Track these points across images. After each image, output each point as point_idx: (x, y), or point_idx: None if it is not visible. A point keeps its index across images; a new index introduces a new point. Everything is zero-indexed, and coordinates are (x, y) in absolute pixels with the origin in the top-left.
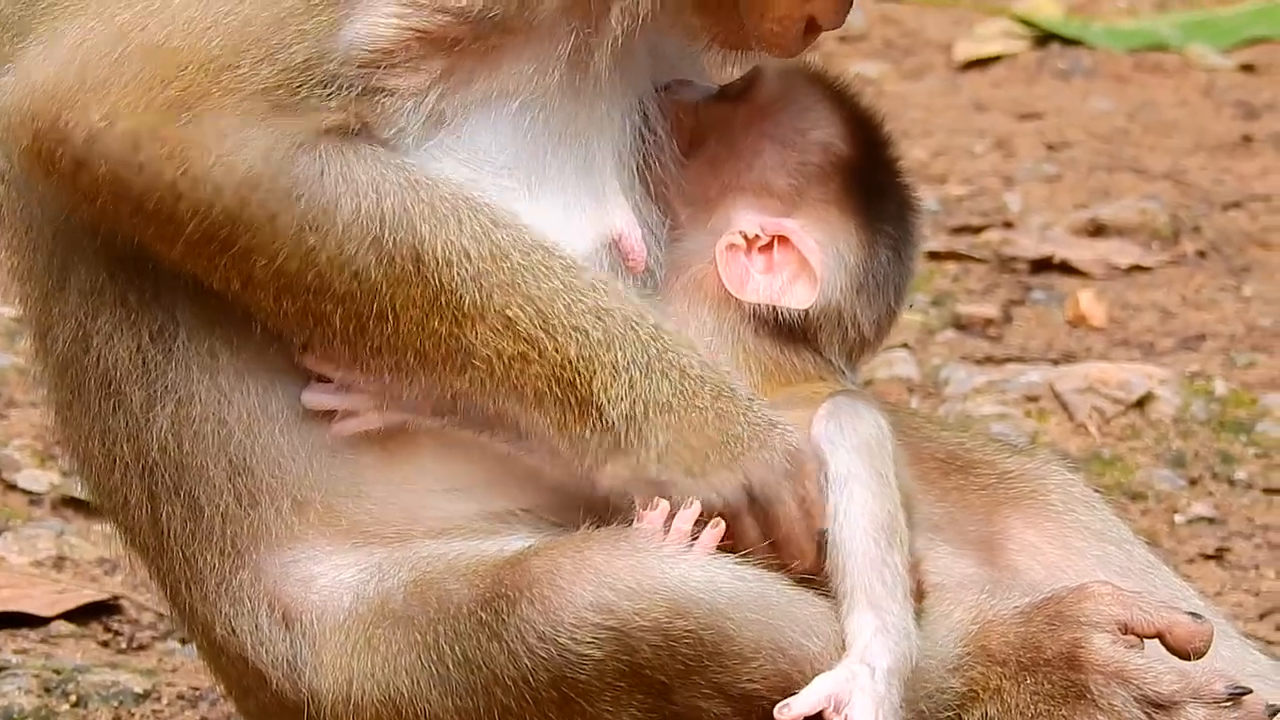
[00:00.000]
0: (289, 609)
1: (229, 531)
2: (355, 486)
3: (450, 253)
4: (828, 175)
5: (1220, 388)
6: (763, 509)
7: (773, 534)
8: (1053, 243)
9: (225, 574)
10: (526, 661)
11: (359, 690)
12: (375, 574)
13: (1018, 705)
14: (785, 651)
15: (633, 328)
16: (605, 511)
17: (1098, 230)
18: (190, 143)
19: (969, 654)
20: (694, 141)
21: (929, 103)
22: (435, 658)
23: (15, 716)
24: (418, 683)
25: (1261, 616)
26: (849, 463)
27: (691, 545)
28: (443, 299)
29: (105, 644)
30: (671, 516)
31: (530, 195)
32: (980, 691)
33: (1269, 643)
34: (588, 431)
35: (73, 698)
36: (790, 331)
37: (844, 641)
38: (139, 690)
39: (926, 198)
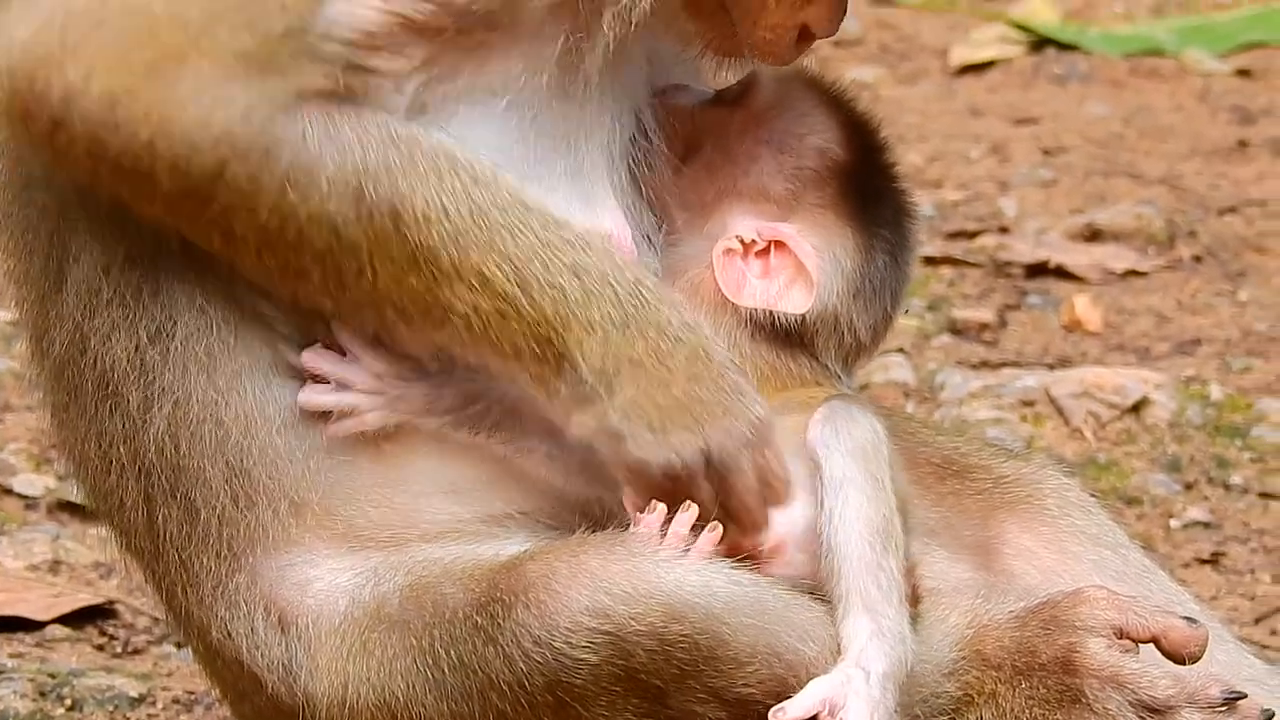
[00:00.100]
0: (285, 612)
1: (225, 534)
2: (352, 488)
3: (429, 210)
4: (824, 180)
5: (1216, 392)
6: (720, 475)
7: (727, 502)
8: (1048, 247)
9: (221, 577)
10: (522, 666)
11: (354, 694)
12: (371, 578)
13: (1013, 710)
14: (781, 656)
15: (610, 284)
16: (601, 516)
17: (1093, 235)
18: (168, 101)
19: (964, 658)
20: (690, 147)
21: (924, 108)
22: (431, 662)
23: None
24: (413, 687)
25: (1257, 621)
26: (844, 467)
27: (687, 549)
28: (421, 256)
29: (100, 648)
30: (668, 521)
31: None
32: (975, 696)
33: (1264, 647)
34: (561, 384)
35: (68, 702)
36: (787, 336)
37: (839, 646)
38: (134, 694)
39: (922, 203)
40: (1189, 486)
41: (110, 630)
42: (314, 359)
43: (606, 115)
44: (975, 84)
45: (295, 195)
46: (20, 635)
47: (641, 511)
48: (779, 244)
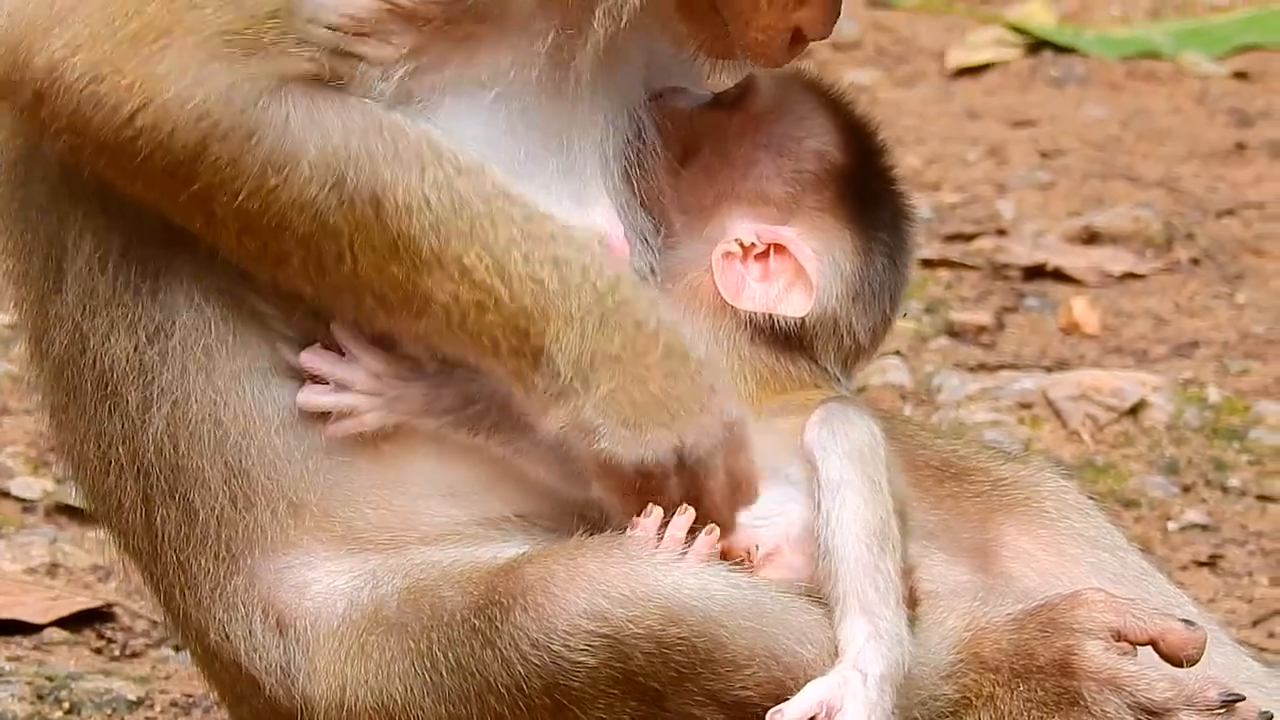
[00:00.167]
0: (283, 615)
1: (224, 535)
2: (350, 489)
3: (411, 199)
4: (823, 183)
5: (1214, 395)
6: (691, 474)
7: (696, 501)
8: (1046, 250)
9: (219, 579)
10: (520, 668)
11: (352, 697)
12: (369, 580)
13: (1011, 712)
14: (779, 659)
15: (590, 279)
16: (599, 519)
17: (1091, 237)
18: (150, 76)
19: (962, 661)
20: (689, 150)
21: (922, 110)
22: (429, 665)
23: None
24: (411, 690)
25: (1255, 623)
26: (841, 469)
27: (685, 553)
28: (401, 245)
29: (98, 651)
30: (665, 524)
31: None
32: (973, 698)
33: (1262, 649)
34: (538, 378)
35: (65, 705)
36: (786, 339)
37: (837, 648)
38: (132, 697)
39: (919, 205)
40: (1187, 489)
41: (108, 633)
42: (313, 359)
43: (600, 115)
44: (972, 86)
45: (276, 179)
46: (18, 638)
47: (636, 515)
48: (778, 247)
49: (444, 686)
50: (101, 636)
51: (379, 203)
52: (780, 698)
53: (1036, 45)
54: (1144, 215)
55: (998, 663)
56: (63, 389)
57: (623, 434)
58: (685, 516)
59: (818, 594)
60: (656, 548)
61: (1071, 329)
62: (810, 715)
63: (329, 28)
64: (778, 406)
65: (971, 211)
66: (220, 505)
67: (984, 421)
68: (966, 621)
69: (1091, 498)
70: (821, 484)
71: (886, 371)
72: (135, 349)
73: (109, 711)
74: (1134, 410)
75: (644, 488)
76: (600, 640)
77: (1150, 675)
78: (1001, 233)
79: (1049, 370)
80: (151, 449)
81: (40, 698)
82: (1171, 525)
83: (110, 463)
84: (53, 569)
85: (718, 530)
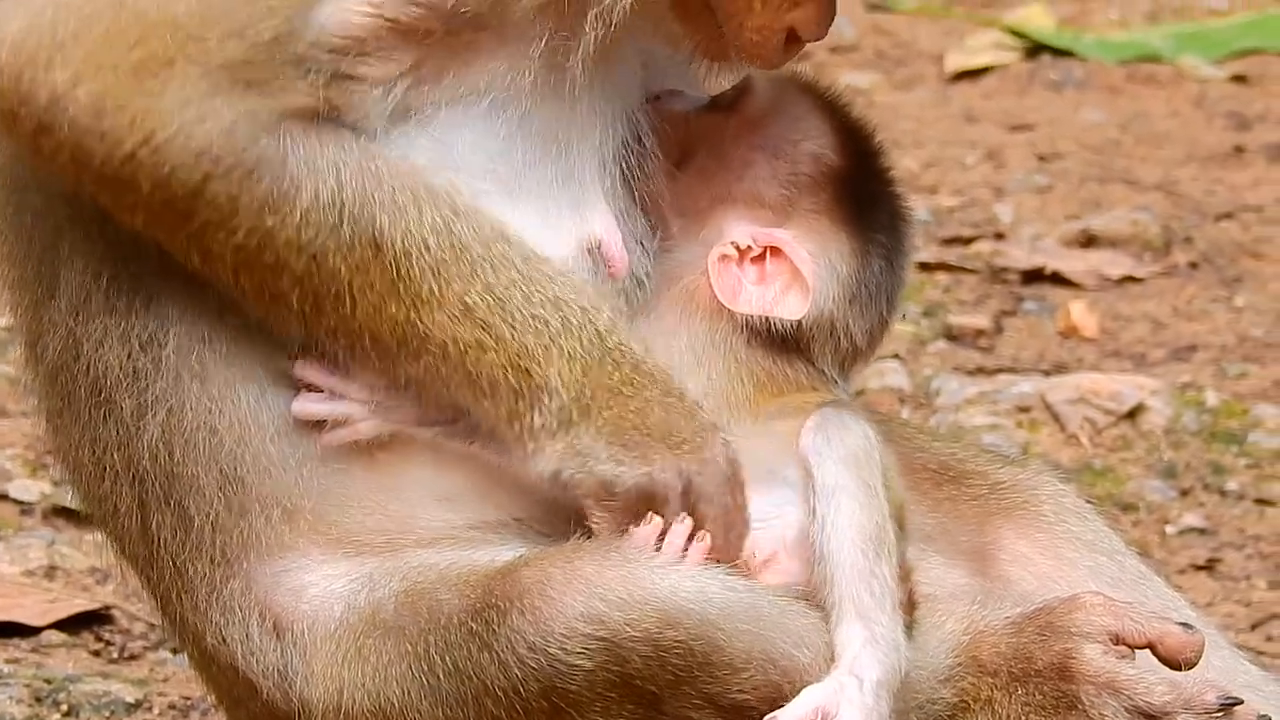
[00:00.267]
0: (280, 618)
1: (219, 540)
2: (346, 496)
3: (409, 244)
4: (819, 185)
5: (1212, 398)
6: (692, 503)
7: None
8: (1044, 254)
9: (216, 583)
10: (517, 671)
11: (350, 700)
12: (366, 584)
13: (1009, 716)
14: (776, 663)
15: (590, 319)
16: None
17: (1089, 241)
18: (153, 111)
19: (960, 665)
20: (685, 152)
21: (920, 114)
22: (426, 668)
23: None
24: (408, 693)
25: (1253, 627)
26: (836, 474)
27: (682, 558)
28: (401, 286)
29: (97, 653)
30: (664, 532)
31: (508, 200)
32: (971, 702)
33: (1260, 653)
34: (535, 415)
35: (64, 707)
36: (783, 342)
37: (834, 653)
38: (130, 700)
39: (918, 209)
40: (1185, 492)
41: (106, 636)
42: (308, 369)
43: (597, 119)
44: (971, 90)
45: (273, 219)
46: (16, 641)
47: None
48: (774, 250)
49: (441, 689)
50: (99, 639)
51: (377, 245)
52: (777, 701)
53: (1035, 49)
54: (1142, 219)
55: (996, 666)
56: (57, 394)
57: (625, 455)
58: (685, 525)
59: (815, 598)
60: (654, 554)
61: (1069, 332)
62: None
63: (330, 50)
64: (775, 409)
65: (970, 215)
66: (215, 511)
67: (982, 425)
68: (965, 625)
69: (1089, 501)
70: (817, 490)
71: (885, 375)
72: (129, 356)
73: (107, 714)
74: (1132, 414)
75: (641, 514)
76: (597, 643)
77: (1148, 679)
78: (1000, 236)
79: (1047, 374)
80: (146, 455)
81: (38, 700)
82: (1169, 529)
83: (105, 468)
84: (51, 571)
85: (710, 538)
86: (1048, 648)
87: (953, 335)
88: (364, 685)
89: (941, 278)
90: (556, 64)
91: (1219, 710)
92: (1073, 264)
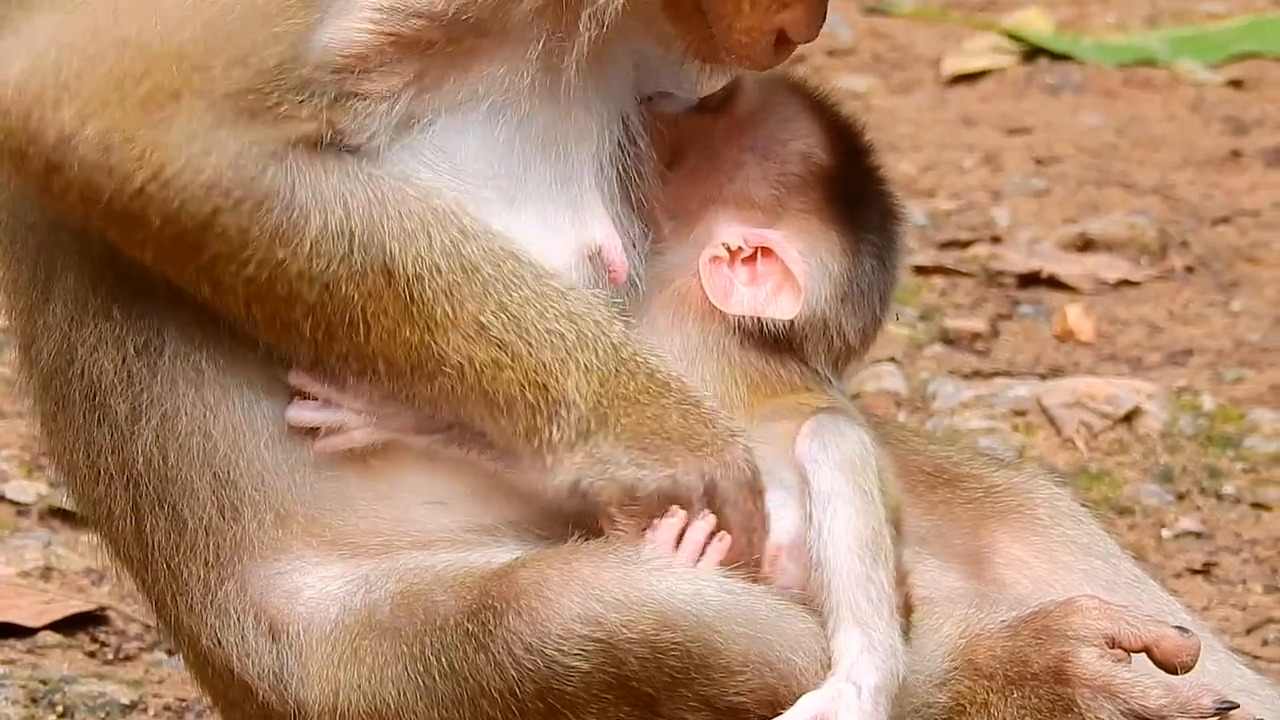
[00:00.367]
0: (275, 620)
1: (213, 543)
2: (340, 500)
3: (420, 268)
4: (809, 185)
5: (1208, 403)
6: (713, 505)
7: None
8: (1041, 257)
9: (211, 585)
10: (513, 673)
11: (345, 701)
12: (362, 585)
13: (1005, 719)
14: (773, 665)
15: (603, 331)
16: (592, 525)
17: (1086, 245)
18: (161, 145)
19: (956, 668)
20: (675, 154)
21: (917, 117)
22: (422, 669)
23: None
24: (404, 694)
25: (1248, 631)
26: (832, 481)
27: (698, 561)
28: (415, 310)
29: (92, 654)
30: (681, 534)
31: (509, 206)
32: (967, 706)
33: (1256, 657)
34: (553, 429)
35: (59, 708)
36: (776, 342)
37: (830, 658)
38: (125, 701)
39: (914, 212)
40: (1181, 497)
41: (102, 637)
42: (302, 376)
43: (593, 120)
44: (968, 94)
45: (284, 251)
46: (11, 642)
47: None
48: (765, 250)
49: (437, 691)
50: (95, 640)
51: (389, 272)
52: (774, 704)
53: (1032, 52)
54: (1139, 223)
55: (992, 670)
56: (52, 398)
57: (646, 460)
58: (706, 522)
59: (811, 602)
60: (674, 553)
61: (1066, 336)
62: None
63: (334, 71)
64: (769, 410)
65: (966, 218)
66: (209, 515)
67: (978, 428)
68: (960, 629)
69: (1085, 505)
70: (813, 496)
71: (881, 378)
72: (123, 361)
73: (102, 715)
74: (1128, 418)
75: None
76: (594, 645)
77: (1144, 682)
78: (996, 240)
79: (1043, 377)
80: (140, 459)
81: (34, 701)
82: (1165, 533)
83: (99, 472)
84: (46, 572)
85: (728, 537)
86: (1043, 651)
87: (949, 339)
88: (360, 687)
89: (938, 281)
90: (552, 65)
91: (1215, 714)
92: (1069, 268)
